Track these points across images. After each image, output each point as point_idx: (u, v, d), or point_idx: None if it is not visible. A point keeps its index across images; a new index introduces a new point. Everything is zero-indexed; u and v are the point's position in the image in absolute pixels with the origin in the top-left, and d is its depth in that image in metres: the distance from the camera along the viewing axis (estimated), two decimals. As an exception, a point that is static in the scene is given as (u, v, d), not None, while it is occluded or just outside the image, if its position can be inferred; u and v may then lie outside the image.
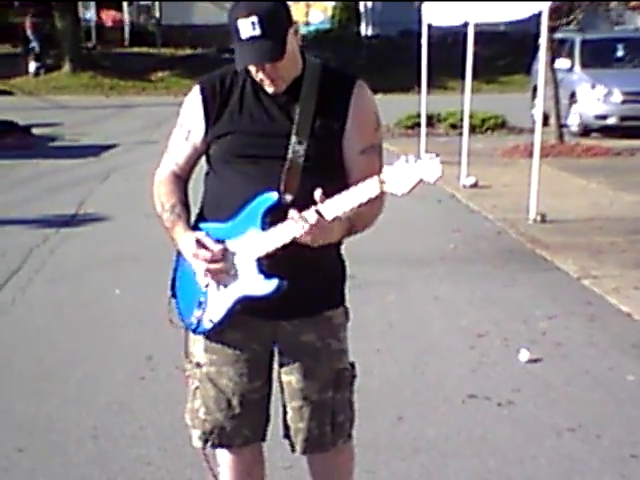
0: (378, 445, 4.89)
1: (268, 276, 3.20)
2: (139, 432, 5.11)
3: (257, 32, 3.07)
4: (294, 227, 3.08)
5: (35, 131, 20.36)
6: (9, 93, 29.90)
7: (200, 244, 3.21)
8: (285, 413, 3.47)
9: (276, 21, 3.12)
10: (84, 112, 25.35)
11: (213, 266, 3.21)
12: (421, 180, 2.99)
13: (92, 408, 5.56)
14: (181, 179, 3.46)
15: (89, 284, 8.40)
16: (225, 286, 3.29)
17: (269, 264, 3.20)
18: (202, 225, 3.36)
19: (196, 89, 3.36)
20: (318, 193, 3.04)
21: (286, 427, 3.48)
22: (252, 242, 3.21)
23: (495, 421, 5.32)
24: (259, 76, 3.19)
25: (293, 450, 3.49)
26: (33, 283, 8.49)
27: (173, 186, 3.42)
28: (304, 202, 3.09)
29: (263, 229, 3.18)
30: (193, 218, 3.43)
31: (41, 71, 32.85)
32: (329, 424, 3.43)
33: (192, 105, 3.36)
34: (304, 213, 3.05)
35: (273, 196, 3.18)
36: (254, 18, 3.07)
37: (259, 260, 3.21)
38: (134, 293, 7.35)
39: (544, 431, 5.16)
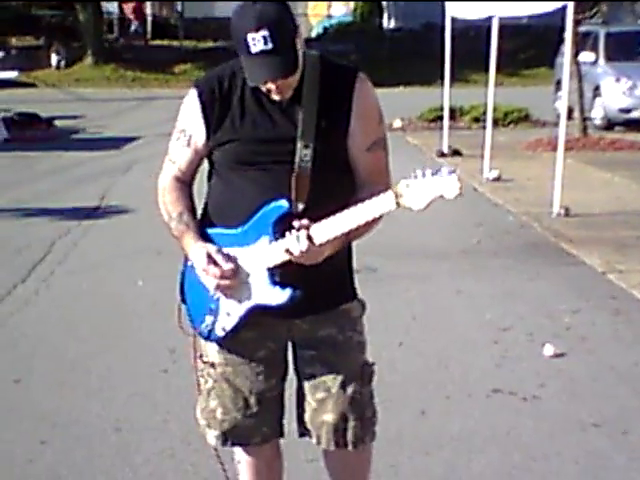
0: (401, 440, 4.87)
1: (281, 286, 3.17)
2: (162, 425, 5.12)
3: (269, 47, 2.98)
4: (291, 244, 3.05)
5: (57, 123, 20.45)
6: (32, 85, 30.01)
7: (211, 259, 3.17)
8: (303, 409, 3.44)
9: (285, 31, 3.04)
10: (106, 105, 25.44)
11: (223, 282, 3.18)
12: (440, 196, 2.90)
13: (115, 400, 5.57)
14: (185, 183, 3.40)
15: (111, 276, 8.43)
16: (237, 295, 3.26)
17: (281, 273, 3.17)
18: (210, 231, 3.31)
19: (193, 93, 3.29)
20: (299, 222, 3.02)
21: (304, 423, 3.44)
22: (263, 251, 3.17)
23: (520, 416, 5.29)
24: (267, 87, 3.12)
25: (319, 443, 3.44)
26: (56, 275, 8.52)
27: (178, 192, 3.37)
28: (316, 209, 3.08)
29: (274, 238, 3.14)
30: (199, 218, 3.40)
31: (62, 63, 32.93)
32: (357, 419, 3.38)
33: (191, 110, 3.29)
34: (299, 234, 3.01)
35: (284, 204, 3.13)
36: (265, 32, 2.97)
37: (270, 270, 3.18)
38: (157, 285, 7.35)
39: (569, 426, 5.13)
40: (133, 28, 37.98)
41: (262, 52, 3.00)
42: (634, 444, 4.90)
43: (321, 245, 3.05)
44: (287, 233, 3.07)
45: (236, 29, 3.05)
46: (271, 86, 3.10)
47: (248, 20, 3.01)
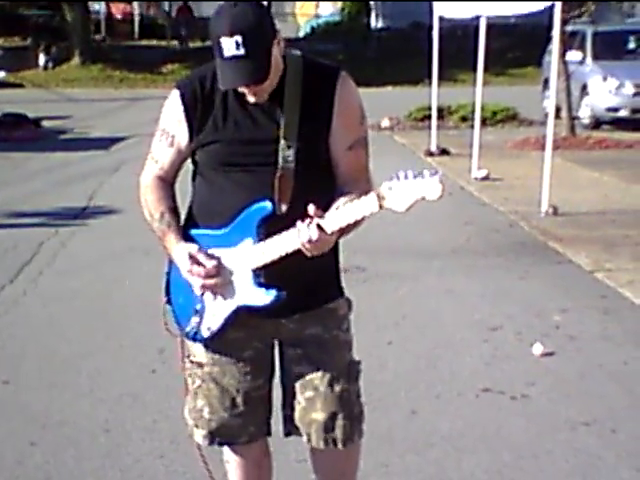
0: (392, 439, 4.88)
1: (266, 287, 3.18)
2: (151, 425, 5.11)
3: (241, 52, 2.99)
4: (293, 240, 3.05)
5: (45, 124, 20.43)
6: (19, 86, 29.97)
7: (194, 259, 3.18)
8: (292, 408, 3.44)
9: (260, 39, 3.04)
10: (94, 105, 25.42)
11: (208, 282, 3.19)
12: (422, 197, 2.93)
13: (104, 401, 5.57)
14: (167, 183, 3.40)
15: (100, 276, 8.42)
16: (222, 296, 3.27)
17: (266, 274, 3.18)
18: (194, 232, 3.31)
19: (175, 94, 3.28)
20: (312, 208, 3.00)
21: (292, 422, 3.45)
22: (247, 253, 3.18)
23: (509, 415, 5.30)
24: (241, 90, 3.13)
25: (309, 441, 3.44)
26: (44, 275, 8.51)
27: (160, 192, 3.37)
28: (299, 211, 3.05)
29: (258, 240, 3.15)
30: (182, 218, 3.40)
31: (50, 63, 32.90)
32: (346, 417, 3.39)
33: (173, 111, 3.29)
34: (306, 227, 3.01)
35: (267, 205, 3.14)
36: (238, 37, 2.98)
37: (255, 271, 3.19)
38: (145, 285, 7.34)
39: (559, 425, 5.14)
40: (183, 33, 37.15)
41: (234, 57, 3.01)
42: (623, 443, 4.91)
43: (332, 234, 3.04)
44: (298, 224, 3.03)
45: (212, 31, 3.06)
46: (243, 89, 3.12)
47: (224, 23, 3.02)
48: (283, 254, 3.11)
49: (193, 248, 3.21)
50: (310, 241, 3.01)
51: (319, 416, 3.37)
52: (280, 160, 3.18)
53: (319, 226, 3.01)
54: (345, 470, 3.60)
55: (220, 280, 3.21)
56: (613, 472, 4.60)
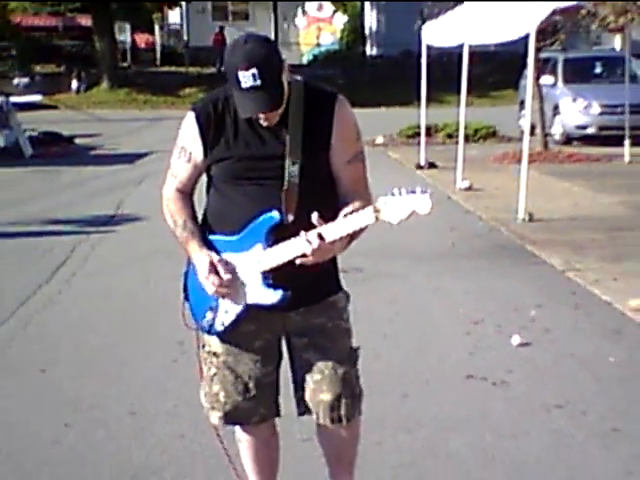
0: (385, 420, 4.87)
1: (274, 287, 3.22)
2: (172, 409, 5.12)
3: (258, 83, 3.02)
4: (298, 247, 3.10)
5: (77, 141, 20.45)
6: (54, 107, 29.97)
7: (213, 267, 3.21)
8: (303, 390, 3.45)
9: (272, 69, 3.07)
10: (120, 124, 25.41)
11: (221, 290, 3.23)
12: (413, 212, 3.00)
13: (130, 387, 5.58)
14: (186, 194, 3.43)
15: (126, 277, 8.42)
16: (234, 296, 3.29)
17: (274, 276, 3.21)
18: (211, 237, 3.33)
19: (191, 116, 3.30)
20: (315, 217, 3.06)
21: (304, 403, 3.46)
22: (257, 257, 3.22)
23: (491, 399, 5.30)
24: (257, 116, 3.16)
25: (318, 418, 3.45)
26: (77, 276, 8.51)
27: (181, 203, 3.40)
28: (304, 220, 3.11)
29: (268, 246, 3.19)
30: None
31: (81, 88, 32.91)
32: (349, 397, 3.41)
33: (190, 131, 3.30)
34: (308, 235, 3.06)
35: (276, 216, 3.17)
36: (254, 70, 3.01)
37: (264, 273, 3.22)
38: (167, 285, 7.32)
39: (535, 408, 5.14)
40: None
41: (252, 87, 3.04)
42: (592, 423, 4.91)
43: (332, 243, 3.09)
44: (301, 234, 3.09)
45: (229, 65, 3.09)
46: (260, 116, 3.14)
47: (239, 58, 3.05)
48: (289, 259, 3.15)
49: (215, 257, 3.24)
50: (312, 249, 3.05)
51: (326, 397, 3.40)
52: (286, 175, 3.20)
53: (320, 235, 3.06)
54: (348, 443, 3.61)
55: (231, 290, 3.25)
56: (583, 449, 4.60)
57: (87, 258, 9.28)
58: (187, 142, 3.33)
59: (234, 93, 3.11)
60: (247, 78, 3.03)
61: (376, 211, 3.03)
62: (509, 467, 4.40)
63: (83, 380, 5.74)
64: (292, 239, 3.12)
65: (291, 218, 3.19)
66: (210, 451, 4.12)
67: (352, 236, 3.18)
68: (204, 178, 3.42)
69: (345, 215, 3.11)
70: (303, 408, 3.48)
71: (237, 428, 3.59)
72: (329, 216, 3.11)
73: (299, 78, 3.33)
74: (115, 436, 4.85)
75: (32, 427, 5.00)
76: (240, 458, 3.68)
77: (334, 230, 3.08)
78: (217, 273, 3.21)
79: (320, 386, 3.39)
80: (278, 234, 3.17)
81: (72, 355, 6.24)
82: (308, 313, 3.38)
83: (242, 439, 3.62)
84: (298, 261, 3.12)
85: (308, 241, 3.07)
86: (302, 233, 3.07)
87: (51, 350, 6.34)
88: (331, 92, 3.36)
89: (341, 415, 3.41)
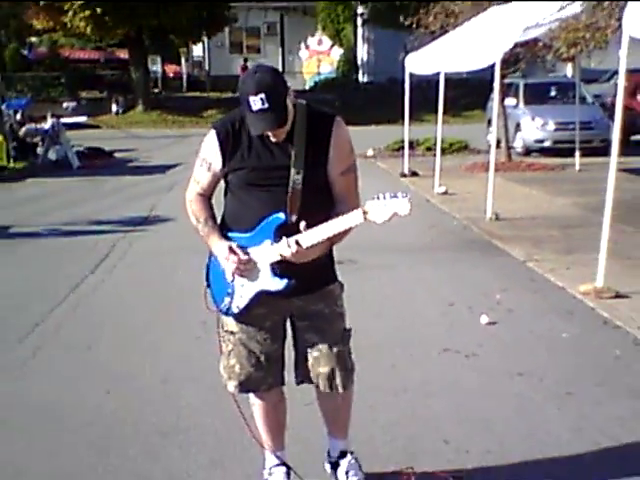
0: (376, 386, 4.87)
1: (280, 277, 3.26)
2: (197, 378, 5.12)
3: (265, 106, 3.05)
4: (282, 249, 3.18)
5: (117, 155, 20.45)
6: (97, 127, 29.96)
7: (232, 251, 3.25)
8: (303, 364, 3.48)
9: (278, 94, 3.09)
10: (153, 141, 25.40)
11: (241, 267, 3.26)
12: (395, 213, 3.08)
13: (162, 360, 5.59)
14: (206, 197, 3.45)
15: (158, 268, 8.44)
16: (247, 282, 3.32)
17: (280, 267, 3.25)
18: (230, 234, 3.35)
19: (213, 133, 3.31)
20: (303, 225, 3.14)
21: (302, 374, 3.51)
22: (266, 251, 3.26)
23: (463, 369, 5.31)
24: (267, 133, 3.18)
25: (317, 387, 3.50)
26: (117, 268, 8.53)
27: (202, 204, 3.42)
28: (304, 219, 3.17)
29: (275, 241, 3.22)
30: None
31: (120, 111, 32.91)
32: (342, 370, 3.46)
33: (211, 145, 3.32)
34: (288, 241, 3.15)
35: (282, 216, 3.21)
36: (262, 95, 3.04)
37: (272, 264, 3.26)
38: (192, 274, 7.28)
39: (500, 376, 5.15)
40: None
41: (260, 110, 3.07)
42: (548, 388, 4.92)
43: (307, 248, 3.18)
44: (283, 239, 3.18)
45: (242, 92, 3.11)
46: (269, 133, 3.17)
47: (250, 86, 3.08)
48: (278, 258, 3.22)
49: (232, 244, 3.29)
50: (291, 252, 3.15)
51: (323, 370, 3.44)
52: (291, 182, 3.23)
53: (297, 242, 3.15)
54: (343, 407, 3.65)
55: (247, 267, 3.27)
56: (540, 410, 4.61)
57: (126, 252, 9.29)
58: (208, 154, 3.35)
59: (246, 114, 3.13)
60: (256, 102, 3.05)
61: (364, 212, 3.10)
62: (479, 424, 4.40)
63: (122, 355, 5.75)
64: (282, 241, 3.19)
65: (294, 218, 3.22)
66: (229, 413, 4.12)
67: (336, 238, 3.23)
68: (221, 184, 3.44)
69: (336, 216, 3.17)
70: (301, 378, 3.54)
71: (250, 394, 3.60)
72: (323, 216, 3.18)
73: (303, 102, 3.34)
74: (149, 401, 4.86)
75: (79, 394, 5.02)
76: (253, 419, 3.69)
77: (312, 237, 3.15)
78: (235, 254, 3.26)
79: (318, 361, 3.44)
80: (284, 232, 3.21)
81: (113, 333, 6.26)
82: (308, 299, 3.40)
83: (255, 403, 3.64)
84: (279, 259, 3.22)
85: (288, 245, 3.16)
86: (283, 239, 3.17)
87: (96, 329, 6.35)
88: (330, 114, 3.38)
89: (337, 385, 3.46)
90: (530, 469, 3.88)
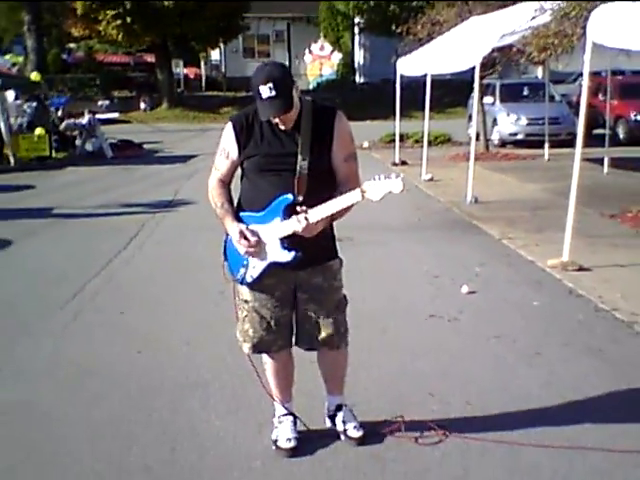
0: (370, 347, 4.88)
1: (288, 250, 3.26)
2: (216, 340, 5.12)
3: (273, 94, 3.07)
4: (294, 224, 3.19)
5: (145, 146, 20.38)
6: (128, 122, 29.84)
7: (242, 234, 3.25)
8: (304, 330, 3.50)
9: (284, 84, 3.11)
10: (176, 134, 25.32)
11: (250, 249, 3.27)
12: (390, 192, 3.10)
13: (185, 324, 5.60)
14: (225, 183, 3.44)
15: (182, 244, 8.44)
16: (259, 256, 3.32)
17: (288, 241, 3.25)
18: (242, 214, 3.35)
19: (230, 125, 3.33)
20: (303, 208, 3.17)
21: (305, 340, 3.53)
22: (276, 227, 3.26)
23: (446, 332, 5.31)
24: (275, 120, 3.19)
25: (316, 349, 3.54)
26: (146, 244, 8.53)
27: (221, 190, 3.42)
28: (310, 201, 3.18)
29: (284, 219, 3.23)
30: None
31: (148, 108, 32.78)
32: (338, 333, 3.49)
33: (228, 135, 3.33)
34: (298, 217, 3.17)
35: (290, 197, 3.22)
36: (270, 84, 3.07)
37: (281, 239, 3.27)
38: (212, 249, 7.27)
39: (478, 338, 5.15)
40: None
41: (268, 97, 3.10)
42: (520, 349, 4.92)
43: (316, 223, 3.18)
44: (293, 216, 3.19)
45: (253, 82, 3.14)
46: (277, 120, 3.17)
47: (260, 77, 3.12)
48: (292, 232, 3.23)
49: (243, 227, 3.29)
50: (301, 227, 3.17)
51: (321, 335, 3.46)
52: (298, 168, 3.23)
53: (306, 218, 3.17)
54: (339, 365, 3.68)
55: (257, 249, 3.28)
56: (513, 367, 4.61)
57: (153, 231, 9.29)
58: (227, 144, 3.36)
59: (257, 102, 3.15)
60: (265, 90, 3.08)
61: (362, 192, 3.12)
62: (459, 380, 4.41)
63: (151, 319, 5.76)
64: (293, 216, 3.19)
65: (301, 199, 3.23)
66: (243, 370, 4.13)
67: (337, 215, 3.25)
68: (238, 172, 3.43)
69: (338, 196, 3.18)
70: (305, 344, 3.56)
71: (263, 354, 3.62)
72: (327, 198, 3.18)
73: (309, 98, 3.36)
74: (174, 359, 4.87)
75: (113, 353, 5.04)
76: (265, 375, 3.70)
77: (318, 212, 3.17)
78: (246, 238, 3.25)
79: (318, 327, 3.46)
80: (291, 210, 3.21)
81: (143, 301, 6.26)
82: (311, 272, 3.40)
83: (267, 362, 3.65)
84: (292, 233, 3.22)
85: (298, 221, 3.17)
86: (293, 216, 3.18)
87: (127, 298, 6.36)
88: (333, 107, 3.39)
89: (333, 345, 3.50)
90: (504, 419, 3.89)
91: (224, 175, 3.42)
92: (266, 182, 3.28)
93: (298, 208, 3.17)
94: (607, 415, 3.89)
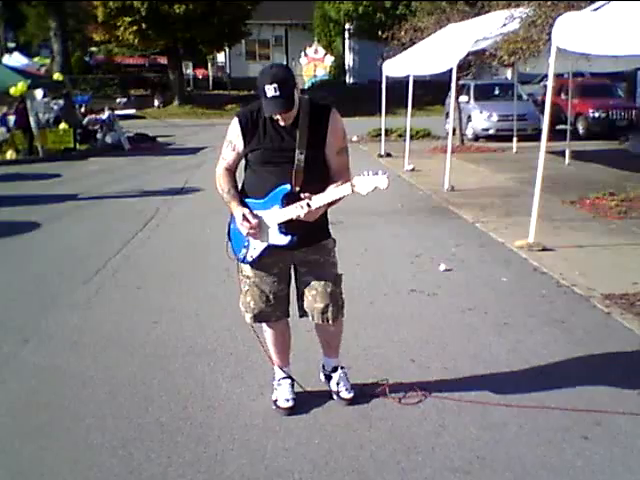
0: (359, 318, 4.88)
1: (285, 234, 3.26)
2: (223, 312, 5.13)
3: (277, 93, 3.05)
4: (295, 210, 3.17)
5: (159, 139, 20.25)
6: (143, 118, 29.61)
7: (245, 218, 3.24)
8: (303, 301, 3.48)
9: (288, 85, 3.08)
10: (186, 128, 25.15)
11: (251, 231, 3.26)
12: (376, 187, 3.08)
13: (195, 298, 5.59)
14: (231, 172, 3.42)
15: (192, 226, 8.40)
16: (259, 238, 3.31)
17: (286, 226, 3.25)
18: (247, 200, 3.33)
19: (235, 120, 3.30)
20: (308, 194, 3.15)
21: (302, 309, 3.50)
22: (275, 214, 3.25)
23: (426, 305, 5.32)
24: (277, 117, 3.16)
25: (313, 319, 3.50)
26: (160, 226, 8.49)
27: (228, 177, 3.39)
28: (306, 190, 3.17)
29: (282, 206, 3.22)
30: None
31: (161, 105, 32.54)
32: (334, 305, 3.45)
33: (235, 129, 3.30)
34: (301, 203, 3.15)
35: (288, 187, 3.20)
36: (275, 85, 3.04)
37: (279, 224, 3.26)
38: (218, 232, 7.26)
39: (454, 311, 5.16)
40: None
41: (273, 97, 3.07)
42: (491, 319, 4.94)
43: (316, 209, 3.18)
44: (297, 202, 3.17)
45: (259, 82, 3.10)
46: (278, 116, 3.14)
47: (266, 77, 3.08)
48: (293, 217, 3.21)
49: (246, 211, 3.27)
50: (304, 212, 3.16)
51: (319, 305, 3.43)
52: (295, 160, 3.20)
53: (308, 204, 3.16)
54: (335, 334, 3.66)
55: (257, 231, 3.27)
56: (485, 336, 4.62)
57: (167, 215, 9.24)
58: (233, 137, 3.34)
59: (262, 100, 3.12)
60: (270, 90, 3.05)
61: (352, 185, 3.10)
62: (437, 347, 4.42)
63: (165, 293, 5.75)
64: (296, 203, 3.17)
65: (298, 189, 3.21)
66: (246, 338, 4.15)
67: (331, 203, 3.23)
68: (242, 162, 3.40)
69: (331, 188, 3.16)
70: (302, 312, 3.53)
71: (263, 324, 3.61)
72: (321, 188, 3.17)
73: (307, 97, 3.33)
74: (185, 329, 4.87)
75: (132, 323, 5.03)
76: (265, 342, 3.70)
77: (318, 200, 3.14)
78: (248, 220, 3.24)
79: (315, 298, 3.43)
80: (289, 199, 3.20)
81: (157, 277, 6.24)
82: (307, 251, 3.39)
83: (267, 330, 3.65)
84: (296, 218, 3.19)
85: (301, 207, 3.16)
86: (297, 202, 3.16)
87: (144, 274, 6.34)
88: (327, 105, 3.36)
89: (329, 317, 3.45)
90: (477, 381, 3.90)
91: (230, 165, 3.40)
92: (267, 173, 3.26)
93: (302, 195, 3.15)
94: (567, 378, 3.91)
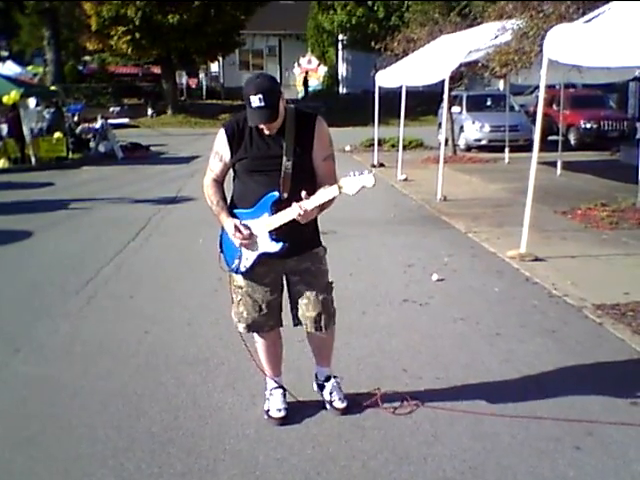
0: (351, 328, 4.88)
1: (276, 241, 3.26)
2: (215, 322, 5.12)
3: (262, 104, 3.06)
4: (291, 213, 3.16)
5: (152, 149, 20.23)
6: (136, 127, 29.59)
7: (237, 228, 3.25)
8: (296, 309, 3.47)
9: (273, 95, 3.09)
10: (179, 137, 25.14)
11: (244, 242, 3.28)
12: (363, 186, 3.09)
13: (187, 308, 5.57)
14: (219, 183, 3.42)
15: (184, 236, 8.38)
16: (251, 248, 3.31)
17: (276, 233, 3.25)
18: (235, 210, 3.34)
19: (222, 131, 3.31)
20: (303, 194, 3.13)
21: (297, 318, 3.49)
22: (265, 221, 3.26)
23: (418, 314, 5.32)
24: (261, 126, 3.18)
25: (306, 328, 3.50)
26: (152, 236, 8.47)
27: (215, 188, 3.39)
28: (294, 197, 3.16)
29: (271, 213, 3.23)
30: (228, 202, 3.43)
31: (154, 114, 32.55)
32: (326, 314, 3.45)
33: (221, 140, 3.31)
34: (296, 205, 3.14)
35: (276, 194, 3.22)
36: (260, 95, 3.05)
37: (270, 232, 3.27)
38: (210, 242, 7.26)
39: (446, 320, 5.16)
40: None
41: (258, 107, 3.09)
42: (483, 329, 4.94)
43: (310, 210, 3.17)
44: (286, 208, 3.18)
45: (245, 92, 3.12)
46: (263, 126, 3.17)
47: (251, 87, 3.10)
48: (285, 221, 3.21)
49: (237, 222, 3.28)
50: (298, 214, 3.14)
51: (311, 314, 3.43)
52: (283, 168, 3.23)
53: (301, 206, 3.15)
54: (327, 343, 3.66)
55: (250, 241, 3.28)
56: (476, 346, 4.63)
57: (159, 224, 9.23)
58: (219, 148, 3.34)
59: (247, 110, 3.13)
60: (255, 100, 3.06)
61: (339, 187, 3.12)
62: (429, 357, 4.42)
63: (156, 303, 5.73)
64: (286, 209, 3.19)
65: (286, 196, 3.23)
66: (238, 347, 4.12)
67: (322, 207, 3.24)
68: (230, 173, 3.41)
69: (320, 191, 3.18)
70: (296, 321, 3.52)
71: (255, 334, 3.61)
72: (310, 193, 3.16)
73: (292, 106, 3.35)
74: (177, 338, 4.86)
75: (123, 332, 5.01)
76: (257, 352, 3.69)
77: (310, 202, 3.15)
78: (240, 231, 3.25)
79: (307, 307, 3.43)
80: (278, 206, 3.22)
81: (150, 286, 6.23)
82: (299, 260, 3.39)
83: (258, 340, 3.64)
84: (291, 223, 3.19)
85: (299, 207, 3.15)
86: (293, 205, 3.15)
87: (136, 283, 6.32)
88: (313, 113, 3.37)
89: (321, 326, 3.45)
90: (469, 391, 3.90)
91: (218, 175, 3.41)
92: (255, 181, 3.27)
93: (303, 194, 3.14)
94: (559, 388, 3.91)
